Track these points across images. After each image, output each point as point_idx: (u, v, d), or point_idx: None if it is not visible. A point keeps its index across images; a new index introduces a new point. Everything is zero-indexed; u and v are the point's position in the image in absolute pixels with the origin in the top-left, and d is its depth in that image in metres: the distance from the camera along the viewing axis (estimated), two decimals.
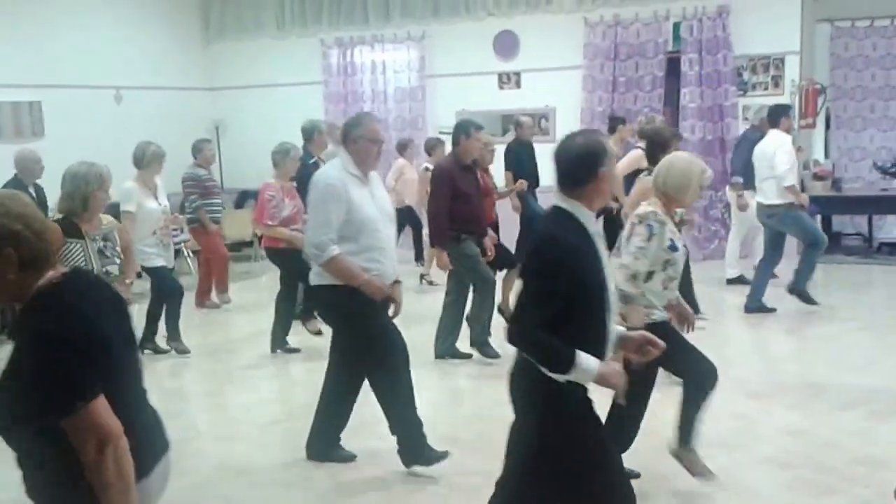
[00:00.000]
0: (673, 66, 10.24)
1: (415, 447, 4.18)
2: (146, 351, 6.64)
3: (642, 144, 7.01)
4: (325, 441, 4.36)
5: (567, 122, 10.69)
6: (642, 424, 4.76)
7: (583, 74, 10.53)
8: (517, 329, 2.57)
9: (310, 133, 7.57)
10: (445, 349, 6.16)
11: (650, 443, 4.41)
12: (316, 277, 4.08)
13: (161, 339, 6.71)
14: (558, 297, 2.48)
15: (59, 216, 3.96)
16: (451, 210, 5.80)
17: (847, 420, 4.84)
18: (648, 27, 10.18)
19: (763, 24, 9.65)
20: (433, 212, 5.95)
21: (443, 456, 4.20)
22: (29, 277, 1.98)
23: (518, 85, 11.06)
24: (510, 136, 9.64)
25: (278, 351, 6.65)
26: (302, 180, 6.76)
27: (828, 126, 10.68)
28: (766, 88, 9.84)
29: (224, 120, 12.05)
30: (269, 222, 6.31)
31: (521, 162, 8.84)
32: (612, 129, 8.66)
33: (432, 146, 9.07)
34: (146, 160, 6.59)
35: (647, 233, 3.58)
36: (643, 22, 10.19)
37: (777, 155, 7.10)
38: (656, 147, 5.23)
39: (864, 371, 5.78)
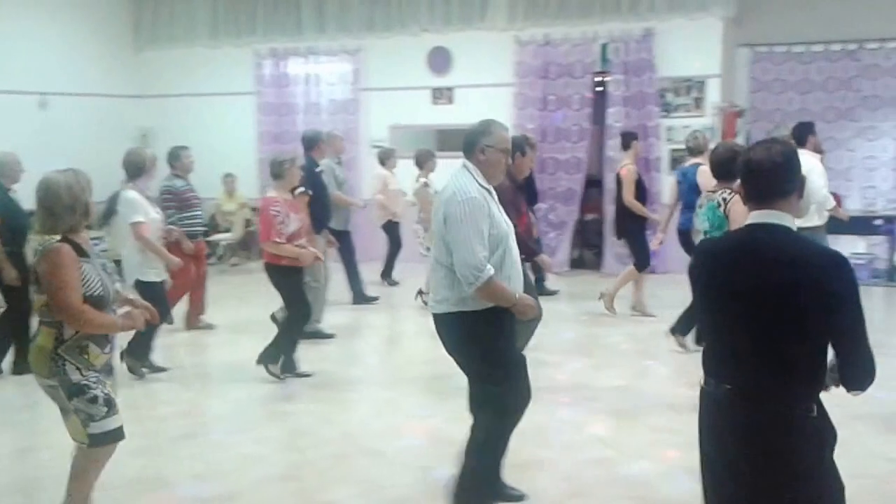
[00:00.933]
0: (601, 86, 10.52)
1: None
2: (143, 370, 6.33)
3: (700, 161, 7.00)
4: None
5: None
6: (567, 439, 4.89)
7: (514, 92, 10.74)
8: (863, 366, 2.32)
9: (314, 142, 7.59)
10: None
11: (574, 457, 4.52)
12: (454, 304, 3.64)
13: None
14: None
15: (58, 238, 3.48)
16: None
17: None
18: (577, 48, 10.45)
19: (686, 48, 10.01)
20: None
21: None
22: None
23: (451, 101, 11.21)
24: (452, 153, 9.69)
25: (286, 376, 6.15)
26: (315, 189, 6.90)
27: None
28: (688, 110, 10.18)
29: (153, 128, 11.88)
30: (278, 240, 5.85)
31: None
32: (625, 146, 8.21)
33: (425, 160, 8.68)
34: (147, 166, 6.29)
35: None
36: (572, 42, 10.45)
37: (812, 179, 6.95)
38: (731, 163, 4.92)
39: None
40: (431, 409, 5.46)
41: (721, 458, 2.49)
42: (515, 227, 4.39)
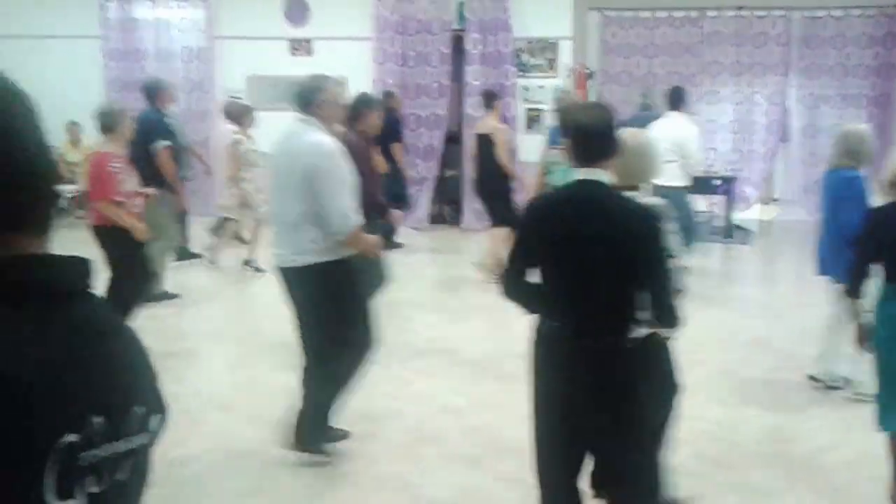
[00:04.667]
0: (459, 44, 10.62)
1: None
2: None
3: None
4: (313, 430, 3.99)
5: None
6: (419, 389, 4.99)
7: (373, 46, 10.67)
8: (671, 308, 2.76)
9: (157, 90, 7.22)
10: None
11: (426, 406, 4.65)
12: (321, 254, 3.71)
13: None
14: None
15: None
16: None
17: None
18: (435, 4, 10.47)
19: (539, 10, 10.22)
20: None
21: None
22: None
23: (310, 53, 11.01)
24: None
25: None
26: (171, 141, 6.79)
27: None
28: (542, 71, 10.45)
29: None
30: (119, 199, 5.24)
31: None
32: (489, 105, 7.94)
33: (240, 114, 8.12)
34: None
35: None
36: None
37: (690, 140, 7.48)
38: None
39: None
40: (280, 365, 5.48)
41: (567, 393, 2.68)
42: (367, 182, 4.49)
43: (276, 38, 10.91)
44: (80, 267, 0.96)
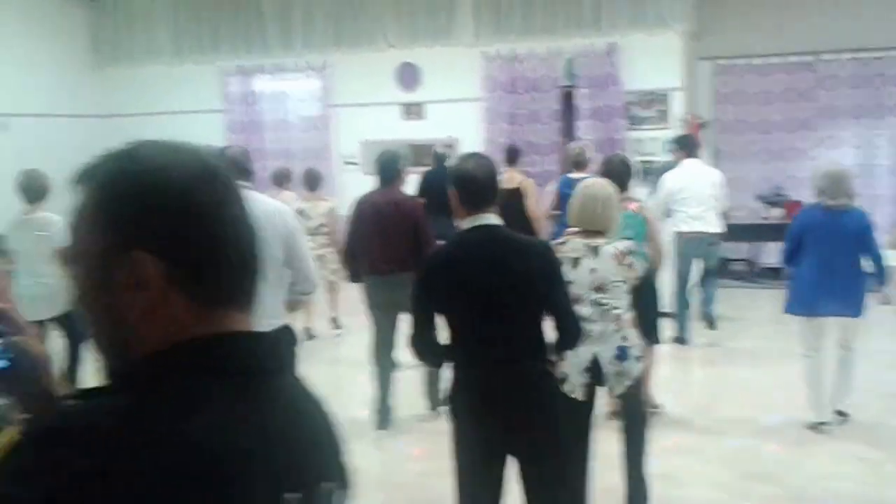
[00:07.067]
0: (568, 100, 10.66)
1: None
2: None
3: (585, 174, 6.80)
4: None
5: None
6: None
7: (484, 106, 10.84)
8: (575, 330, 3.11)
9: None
10: None
11: None
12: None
13: None
14: None
15: None
16: None
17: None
18: (544, 62, 10.58)
19: (648, 62, 10.15)
20: None
21: None
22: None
23: (421, 116, 11.27)
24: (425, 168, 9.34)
25: None
26: None
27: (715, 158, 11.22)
28: (654, 123, 10.36)
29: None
30: None
31: None
32: (512, 161, 8.28)
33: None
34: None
35: None
36: (538, 57, 10.59)
37: (721, 186, 7.75)
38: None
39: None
40: None
41: (498, 429, 2.87)
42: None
43: (389, 103, 11.22)
44: (280, 344, 0.99)
